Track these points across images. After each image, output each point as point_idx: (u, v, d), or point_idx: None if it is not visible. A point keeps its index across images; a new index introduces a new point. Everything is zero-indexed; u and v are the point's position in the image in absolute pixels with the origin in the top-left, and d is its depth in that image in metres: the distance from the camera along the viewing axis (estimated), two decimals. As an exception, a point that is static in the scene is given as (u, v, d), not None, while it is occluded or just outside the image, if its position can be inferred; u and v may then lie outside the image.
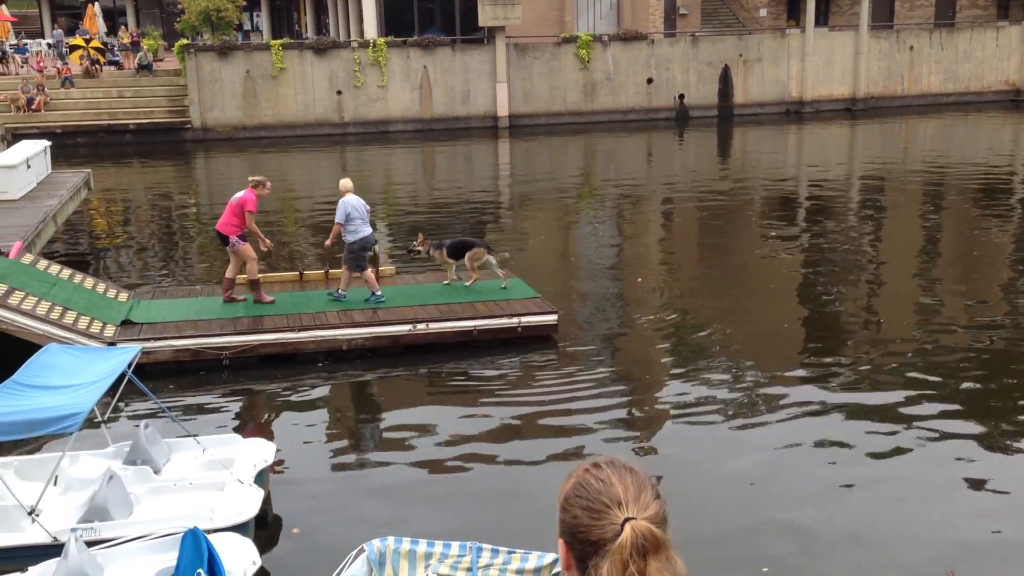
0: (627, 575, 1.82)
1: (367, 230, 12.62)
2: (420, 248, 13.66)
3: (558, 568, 6.70)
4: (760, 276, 16.20)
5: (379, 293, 12.75)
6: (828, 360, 11.98)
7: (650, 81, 37.18)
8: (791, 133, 35.50)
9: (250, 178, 12.86)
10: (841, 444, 9.51)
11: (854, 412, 10.25)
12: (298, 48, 34.73)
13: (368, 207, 12.82)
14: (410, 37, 35.80)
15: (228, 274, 12.78)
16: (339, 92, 34.46)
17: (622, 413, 10.56)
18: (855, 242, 18.54)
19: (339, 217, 12.52)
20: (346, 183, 12.81)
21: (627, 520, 1.85)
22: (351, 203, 12.53)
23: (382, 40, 34.89)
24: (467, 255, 13.42)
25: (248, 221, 12.37)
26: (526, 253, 17.96)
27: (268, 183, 12.98)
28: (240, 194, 12.53)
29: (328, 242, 13.00)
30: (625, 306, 14.67)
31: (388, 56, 34.57)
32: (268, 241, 13.01)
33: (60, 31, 41.58)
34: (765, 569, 7.31)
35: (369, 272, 12.77)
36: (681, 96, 37.52)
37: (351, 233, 12.51)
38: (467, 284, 13.45)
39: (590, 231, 20.66)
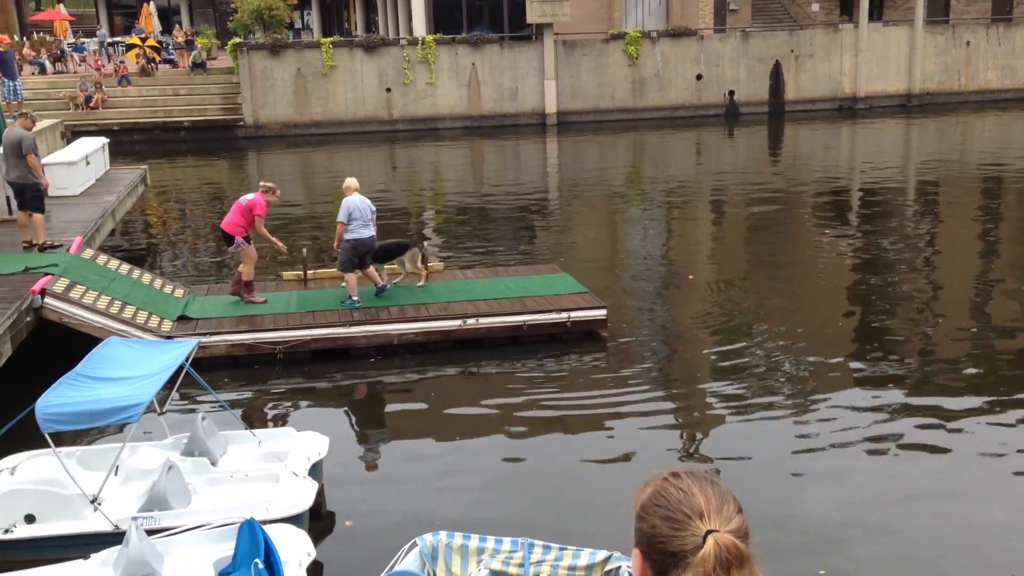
0: None
1: (366, 232, 12.36)
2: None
3: (610, 566, 6.70)
4: (812, 275, 16.03)
5: (356, 298, 12.52)
6: (882, 360, 11.82)
7: (699, 77, 36.92)
8: (844, 130, 35.02)
9: (261, 183, 12.90)
10: (898, 445, 9.39)
11: (909, 412, 10.11)
12: (348, 46, 35.02)
13: (374, 208, 12.60)
14: (459, 34, 35.93)
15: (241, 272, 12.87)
16: (388, 89, 34.69)
17: (672, 411, 10.53)
18: (910, 241, 18.25)
19: (342, 216, 12.33)
20: (351, 182, 12.62)
21: (709, 532, 1.81)
22: (354, 203, 12.34)
23: (431, 37, 35.05)
24: (406, 255, 13.38)
25: (257, 225, 12.39)
26: (574, 249, 17.96)
27: (279, 191, 12.97)
28: (250, 196, 12.58)
29: (335, 244, 12.71)
30: (674, 303, 14.61)
31: (437, 53, 34.73)
32: (282, 245, 13.04)
33: (104, 31, 42.32)
34: (823, 572, 7.25)
35: (352, 276, 12.54)
36: (731, 92, 37.20)
37: (348, 232, 12.31)
38: (419, 285, 13.34)
39: (639, 228, 20.59)
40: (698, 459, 9.25)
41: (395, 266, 13.60)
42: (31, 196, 13.41)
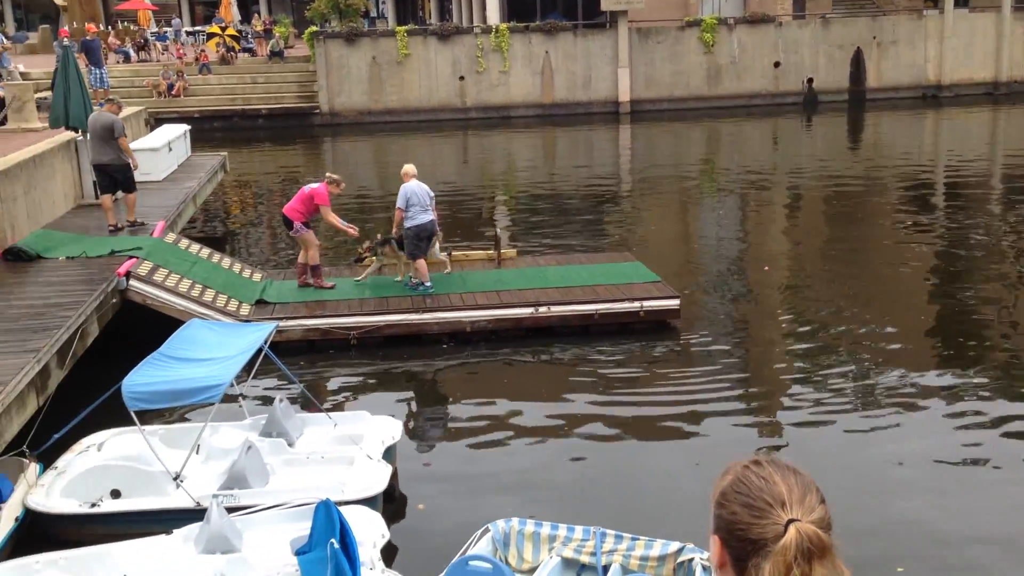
0: None
1: (426, 217, 12.41)
2: (365, 253, 13.30)
3: (683, 557, 6.66)
4: (892, 269, 15.65)
5: (428, 284, 12.61)
6: (962, 357, 11.51)
7: (777, 65, 36.28)
8: (928, 118, 34.11)
9: (328, 174, 13.04)
10: (974, 444, 9.15)
11: (988, 412, 9.83)
12: (422, 34, 35.23)
13: (432, 194, 12.61)
14: (532, 22, 35.87)
15: (300, 259, 13.03)
16: (461, 77, 34.82)
17: (745, 404, 10.40)
18: (997, 235, 17.69)
19: (400, 203, 12.38)
20: (409, 168, 12.65)
21: (791, 521, 1.78)
22: (412, 189, 12.38)
23: (504, 26, 35.07)
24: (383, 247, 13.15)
25: (324, 214, 12.57)
26: (647, 238, 17.83)
27: (343, 184, 13.11)
28: (314, 185, 12.73)
29: (394, 230, 12.77)
30: (749, 294, 14.42)
31: (510, 41, 34.73)
32: (353, 230, 13.09)
33: (179, 20, 43.21)
34: (900, 569, 7.11)
35: (421, 262, 12.60)
36: (810, 80, 36.48)
37: (409, 219, 12.36)
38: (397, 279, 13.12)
39: (713, 217, 20.36)
40: (770, 452, 9.13)
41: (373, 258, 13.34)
42: (124, 177, 13.93)
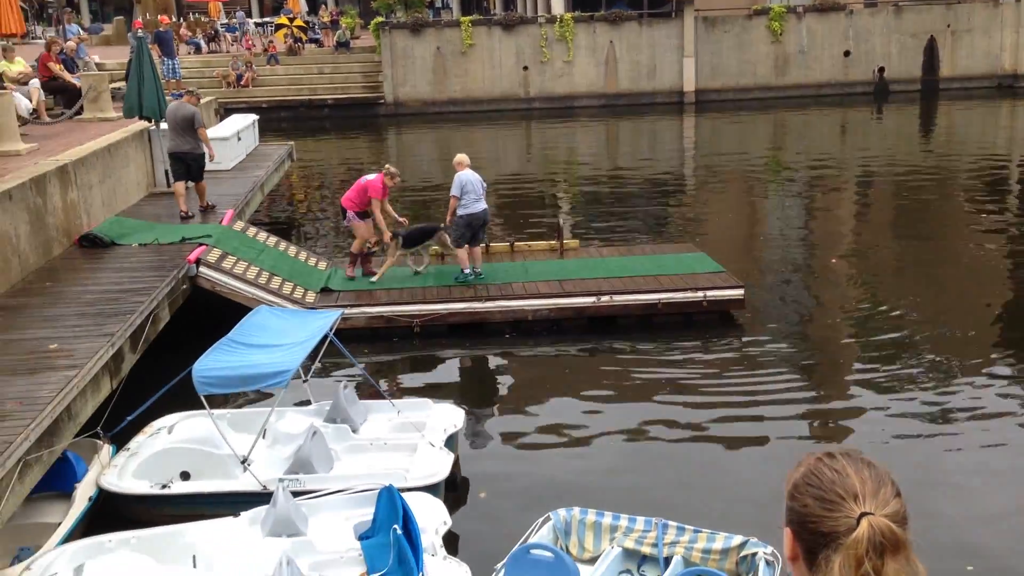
0: (860, 573, 1.72)
1: (479, 206, 12.43)
2: (375, 248, 13.18)
3: (746, 551, 6.60)
4: (963, 263, 15.27)
5: (467, 271, 12.63)
6: (1040, 352, 11.19)
7: (847, 54, 35.56)
8: (1003, 109, 33.15)
9: (386, 166, 13.13)
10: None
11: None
12: (487, 24, 35.25)
13: (484, 183, 12.61)
14: (597, 12, 35.66)
15: (353, 249, 13.11)
16: (525, 67, 34.79)
17: (809, 397, 10.25)
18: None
19: (455, 191, 12.40)
20: (462, 157, 12.68)
21: (864, 515, 1.75)
22: (467, 177, 12.40)
23: (569, 15, 34.93)
24: (434, 239, 13.14)
25: (373, 206, 12.65)
26: (711, 229, 17.65)
27: (399, 178, 13.19)
28: (371, 177, 12.83)
29: (448, 218, 12.76)
30: (814, 286, 14.19)
31: (575, 31, 34.59)
32: (386, 235, 12.87)
33: (242, 14, 43.81)
34: (970, 567, 6.96)
35: (463, 250, 12.60)
36: (881, 69, 35.69)
37: (462, 207, 12.39)
38: (419, 270, 13.10)
39: (779, 208, 20.06)
40: (835, 447, 8.98)
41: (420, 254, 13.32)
42: (198, 167, 14.39)
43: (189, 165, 14.28)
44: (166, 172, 15.89)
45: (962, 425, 9.34)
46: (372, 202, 12.68)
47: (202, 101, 16.53)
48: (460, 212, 12.44)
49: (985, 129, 30.14)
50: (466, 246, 12.65)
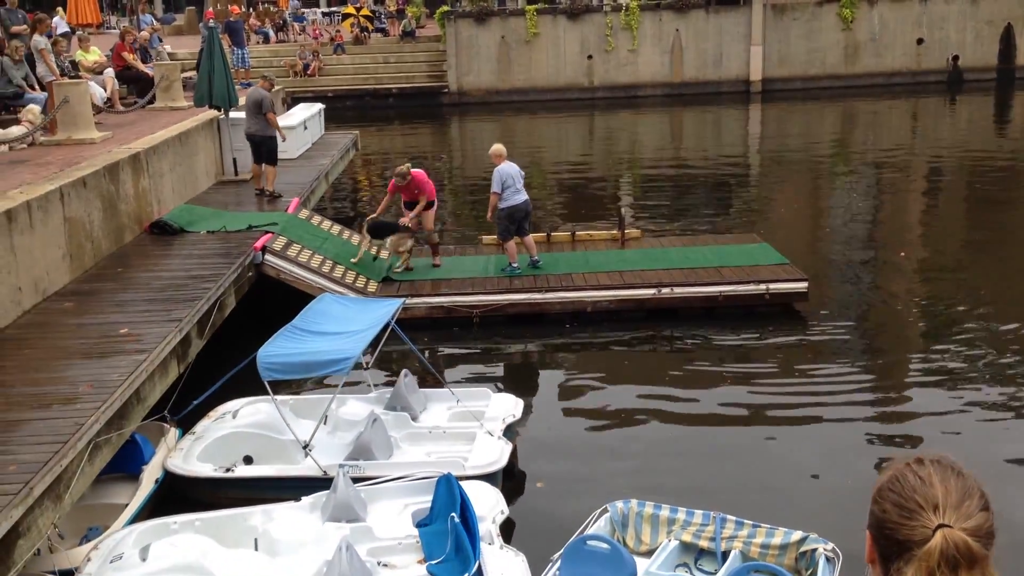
0: None
1: (520, 197, 12.37)
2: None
3: (806, 547, 6.51)
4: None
5: (515, 265, 12.57)
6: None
7: (920, 42, 34.69)
8: (1083, 98, 32.05)
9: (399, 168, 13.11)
10: None
11: None
12: (552, 13, 35.13)
13: (522, 172, 12.52)
14: (663, 0, 35.32)
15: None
16: (590, 56, 34.61)
17: (874, 394, 10.07)
18: None
19: (495, 187, 12.32)
20: (499, 148, 12.51)
21: (941, 526, 1.70)
22: (505, 171, 12.31)
23: (635, 3, 34.63)
24: (389, 239, 12.87)
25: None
26: (776, 221, 17.40)
27: (396, 177, 12.93)
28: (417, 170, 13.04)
29: (489, 214, 12.71)
30: (881, 280, 13.91)
31: (640, 19, 34.30)
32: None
33: (297, 3, 44.10)
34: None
35: (511, 244, 12.55)
36: (955, 58, 34.75)
37: (503, 201, 12.32)
38: (397, 268, 12.85)
39: (846, 200, 19.68)
40: (899, 446, 8.82)
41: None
42: (267, 149, 14.86)
43: (258, 147, 14.83)
44: (234, 161, 16.19)
45: (1033, 425, 9.09)
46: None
47: (275, 88, 16.76)
48: (501, 205, 12.43)
49: (1064, 119, 29.18)
50: (513, 239, 12.65)
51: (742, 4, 34.34)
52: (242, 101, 16.00)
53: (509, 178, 12.38)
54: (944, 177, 21.70)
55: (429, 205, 13.01)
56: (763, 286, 12.12)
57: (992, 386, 9.99)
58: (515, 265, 12.69)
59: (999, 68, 34.76)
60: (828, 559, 6.29)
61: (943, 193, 20.60)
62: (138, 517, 7.20)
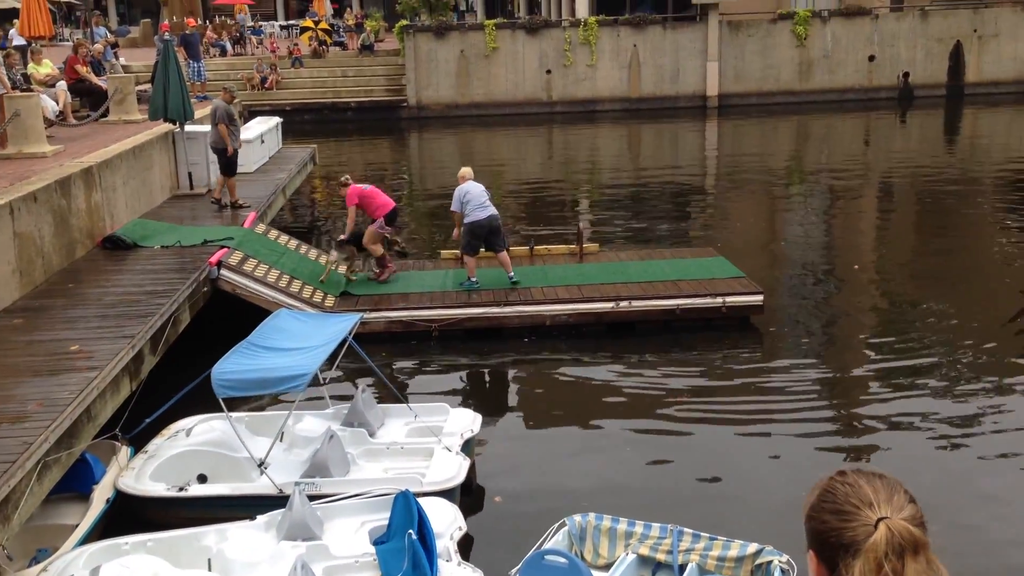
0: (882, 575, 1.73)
1: (481, 213, 12.44)
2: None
3: (761, 559, 6.55)
4: (987, 271, 15.12)
5: (474, 279, 12.65)
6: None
7: (872, 59, 35.32)
8: (1029, 114, 32.79)
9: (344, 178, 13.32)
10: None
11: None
12: (511, 28, 35.29)
13: (487, 191, 12.60)
14: (621, 15, 35.62)
15: (378, 252, 13.08)
16: (548, 71, 34.78)
17: (827, 406, 10.18)
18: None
19: (454, 206, 12.61)
20: (464, 171, 12.85)
21: (881, 519, 1.77)
22: (464, 189, 12.54)
23: (593, 19, 34.91)
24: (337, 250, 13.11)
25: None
26: (732, 235, 17.57)
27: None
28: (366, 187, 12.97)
29: (455, 232, 12.93)
30: (835, 293, 14.10)
31: (598, 35, 34.55)
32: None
33: (244, 16, 43.88)
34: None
35: (471, 260, 12.60)
36: (906, 74, 35.42)
37: (467, 217, 12.52)
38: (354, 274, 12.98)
39: (800, 214, 19.94)
40: (853, 456, 8.92)
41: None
42: (223, 162, 14.96)
43: (217, 158, 14.98)
44: (189, 174, 16.05)
45: (986, 435, 9.24)
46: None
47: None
48: (466, 221, 12.55)
49: (1011, 136, 29.83)
50: (475, 255, 12.65)
51: (698, 20, 34.75)
52: (199, 114, 15.87)
53: (469, 195, 12.46)
54: (896, 191, 22.08)
55: (372, 220, 12.93)
56: (720, 299, 12.23)
57: (943, 396, 10.15)
58: (473, 279, 12.70)
59: (948, 85, 35.50)
60: (783, 571, 6.34)
61: (895, 207, 20.96)
62: (88, 538, 7.06)
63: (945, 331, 12.04)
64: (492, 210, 12.60)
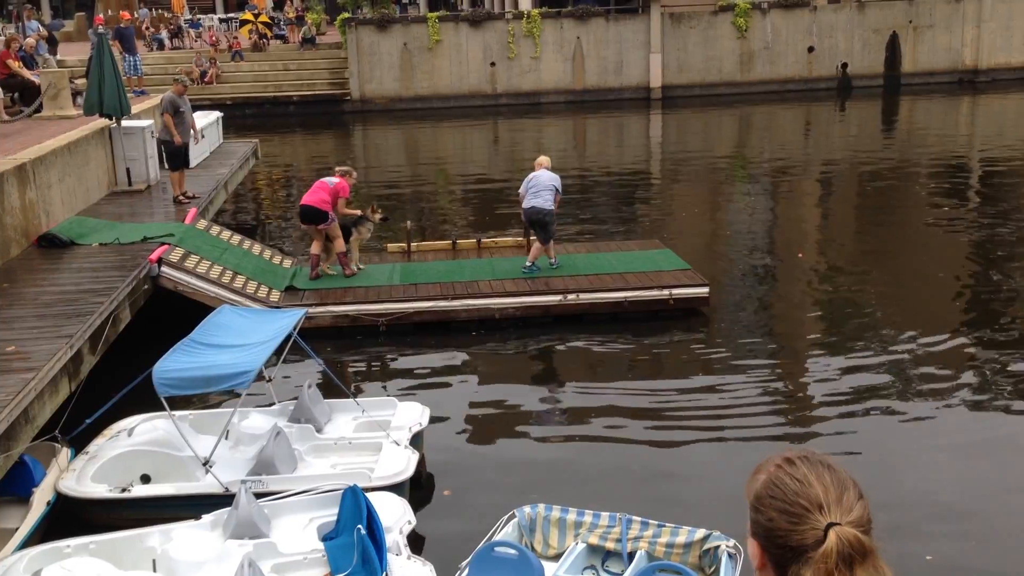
0: None
1: (528, 202, 12.64)
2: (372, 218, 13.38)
3: (709, 544, 6.63)
4: (924, 256, 15.45)
5: (528, 264, 12.87)
6: (996, 347, 11.34)
7: (811, 50, 35.84)
8: (964, 104, 33.56)
9: (338, 168, 13.23)
10: (1008, 434, 9.02)
11: (1016, 400, 9.71)
12: (454, 20, 35.16)
13: (555, 185, 12.78)
14: (564, 8, 35.68)
15: (314, 250, 12.85)
16: (492, 64, 34.73)
17: (773, 392, 10.33)
18: (1032, 220, 17.41)
19: (521, 189, 12.91)
20: (540, 159, 13.10)
21: (831, 525, 1.74)
22: (532, 175, 12.82)
23: (536, 11, 34.90)
24: (354, 230, 13.19)
25: (341, 206, 12.70)
26: (677, 226, 17.73)
27: (355, 173, 13.51)
28: (335, 180, 12.76)
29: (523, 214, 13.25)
30: (779, 281, 14.30)
31: (542, 27, 34.57)
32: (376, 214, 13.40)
33: (145, 11, 43.02)
34: (929, 557, 7.04)
35: (533, 241, 12.87)
36: (844, 65, 36.01)
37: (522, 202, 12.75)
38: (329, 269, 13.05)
39: (744, 204, 20.18)
40: (798, 441, 9.06)
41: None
42: (167, 153, 14.78)
43: (164, 150, 14.81)
44: (128, 170, 15.73)
45: (925, 422, 9.43)
46: (341, 201, 12.65)
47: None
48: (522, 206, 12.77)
49: (946, 124, 30.50)
50: (533, 240, 12.91)
51: (641, 12, 34.94)
52: (136, 109, 15.56)
53: (531, 182, 12.69)
54: (836, 180, 22.44)
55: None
56: (666, 292, 12.32)
57: (885, 381, 10.35)
58: (528, 265, 12.86)
59: (885, 75, 36.17)
60: (730, 555, 6.42)
61: (836, 195, 21.30)
62: (29, 542, 6.90)
63: (887, 317, 12.27)
64: (538, 202, 12.64)
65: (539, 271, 12.85)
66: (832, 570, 1.72)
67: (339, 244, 12.85)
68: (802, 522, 1.77)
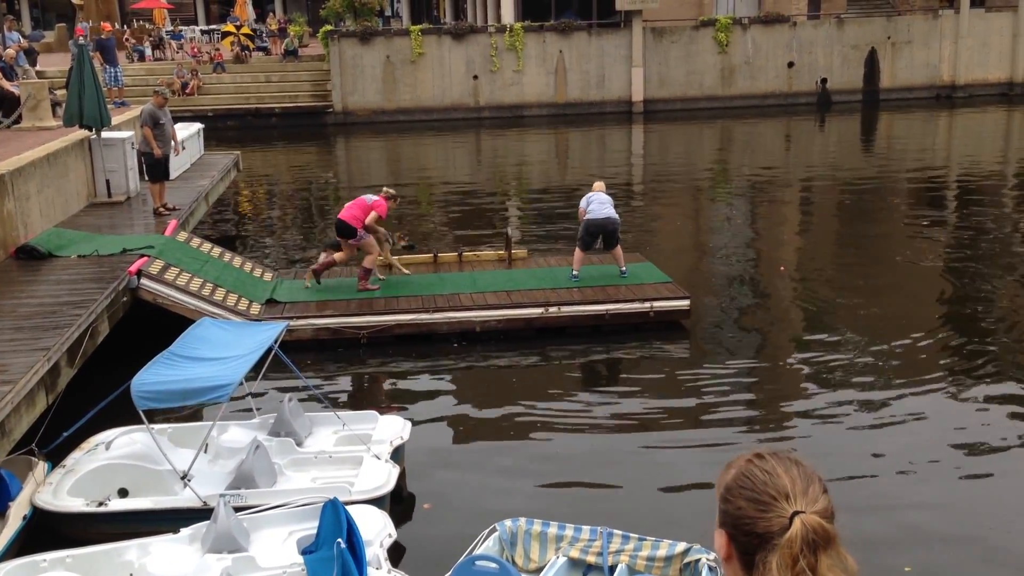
0: (797, 570, 1.78)
1: (599, 213, 12.86)
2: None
3: (690, 557, 6.62)
4: (905, 270, 15.57)
5: (576, 273, 13.09)
6: (975, 358, 11.43)
7: (791, 65, 36.14)
8: (941, 119, 33.90)
9: (385, 189, 13.28)
10: (985, 443, 9.09)
11: (1000, 412, 9.76)
12: (436, 33, 35.23)
13: (608, 198, 13.08)
14: (547, 22, 35.83)
15: (339, 259, 12.94)
16: (475, 77, 34.82)
17: (754, 405, 10.36)
18: (1009, 237, 17.59)
19: (581, 204, 13.19)
20: (597, 184, 13.64)
21: (796, 513, 1.81)
22: (592, 194, 13.15)
23: (519, 25, 35.04)
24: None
25: (371, 219, 12.64)
26: (658, 239, 17.79)
27: (399, 199, 13.66)
28: (375, 198, 12.79)
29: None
30: (760, 295, 14.37)
31: (524, 41, 34.70)
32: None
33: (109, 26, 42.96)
34: (908, 568, 7.07)
35: (579, 252, 13.10)
36: (823, 80, 36.32)
37: (587, 215, 13.00)
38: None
39: (725, 218, 20.28)
40: (764, 448, 9.07)
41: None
42: (146, 165, 14.78)
43: (144, 162, 14.80)
44: (107, 182, 15.66)
45: (903, 432, 9.48)
46: (372, 215, 12.64)
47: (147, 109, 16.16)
48: (585, 219, 12.99)
49: (924, 139, 30.79)
50: (585, 251, 13.12)
51: (623, 27, 35.14)
52: (115, 120, 15.50)
53: (593, 198, 13.06)
54: (816, 194, 22.60)
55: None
56: (647, 304, 12.35)
57: (865, 393, 10.40)
58: (575, 273, 13.05)
59: (864, 90, 36.51)
60: (711, 568, 6.41)
61: (816, 209, 21.45)
62: (5, 556, 6.81)
63: (864, 327, 12.34)
64: (609, 213, 12.93)
65: (580, 280, 13.05)
66: (797, 555, 1.78)
67: (369, 260, 12.83)
68: (769, 510, 1.84)
